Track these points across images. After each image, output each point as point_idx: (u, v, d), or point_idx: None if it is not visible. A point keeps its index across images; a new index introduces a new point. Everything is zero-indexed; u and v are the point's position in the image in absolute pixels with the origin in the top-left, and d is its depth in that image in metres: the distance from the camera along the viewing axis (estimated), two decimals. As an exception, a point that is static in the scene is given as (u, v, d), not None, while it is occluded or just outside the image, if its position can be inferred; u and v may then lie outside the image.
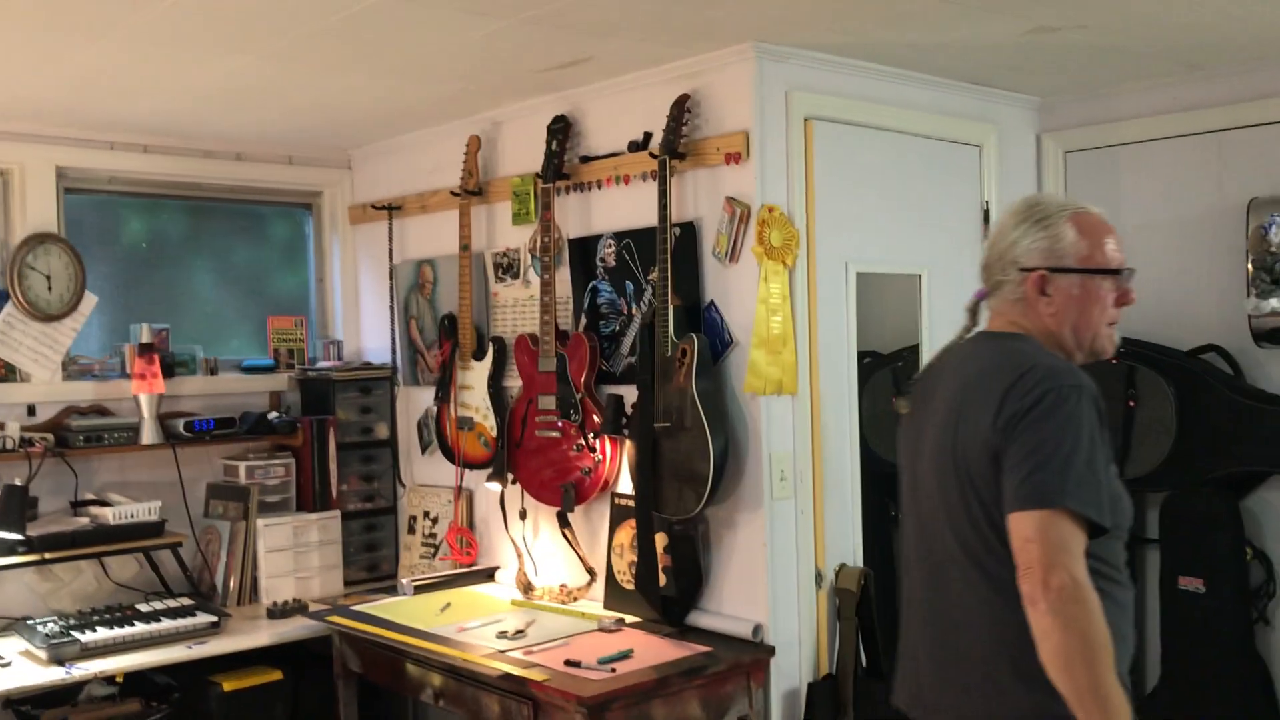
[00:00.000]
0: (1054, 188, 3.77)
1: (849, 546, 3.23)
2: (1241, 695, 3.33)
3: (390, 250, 4.15)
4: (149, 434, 3.73)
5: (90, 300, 3.77)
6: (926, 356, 3.50)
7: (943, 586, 1.94)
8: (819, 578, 3.11)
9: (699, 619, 3.11)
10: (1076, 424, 1.77)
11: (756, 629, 2.99)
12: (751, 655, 2.94)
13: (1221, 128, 3.42)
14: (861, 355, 3.50)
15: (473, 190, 3.70)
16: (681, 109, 3.06)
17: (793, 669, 3.04)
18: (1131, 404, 3.45)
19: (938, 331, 3.52)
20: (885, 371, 3.76)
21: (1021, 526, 1.75)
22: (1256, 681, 3.34)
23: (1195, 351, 3.44)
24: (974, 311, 2.08)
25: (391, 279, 4.16)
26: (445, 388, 3.77)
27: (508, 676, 2.80)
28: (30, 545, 3.37)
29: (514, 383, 3.64)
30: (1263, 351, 3.33)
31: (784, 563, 3.04)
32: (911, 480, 2.04)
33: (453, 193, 3.74)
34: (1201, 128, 3.46)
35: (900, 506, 2.14)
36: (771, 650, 2.97)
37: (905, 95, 3.37)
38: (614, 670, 2.75)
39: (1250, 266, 3.27)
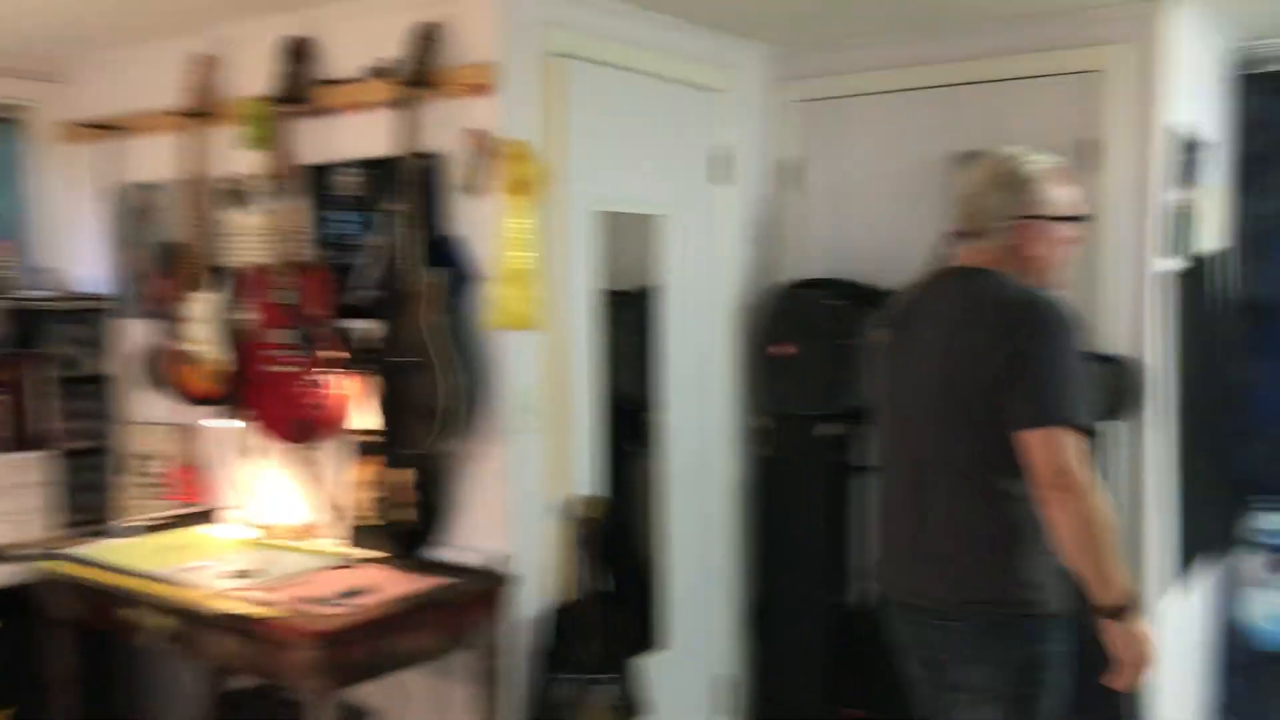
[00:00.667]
0: (789, 134, 3.94)
1: (589, 478, 3.31)
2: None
3: (109, 173, 3.87)
4: None
5: None
6: (668, 295, 3.62)
7: (926, 490, 2.30)
8: (557, 508, 3.18)
9: (441, 553, 3.12)
10: (1068, 351, 2.15)
11: (497, 559, 3.02)
12: (493, 585, 2.98)
13: (935, 84, 3.67)
14: (607, 294, 3.58)
15: (201, 111, 3.50)
16: (427, 36, 3.00)
17: (534, 597, 3.11)
18: (849, 342, 3.67)
19: (675, 269, 3.64)
20: (632, 310, 3.84)
21: (1037, 442, 2.11)
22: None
23: (908, 294, 3.70)
24: (945, 250, 2.38)
25: (111, 204, 3.89)
26: (168, 320, 3.57)
27: (236, 616, 2.72)
28: None
29: (244, 315, 3.49)
30: (966, 294, 3.62)
31: (525, 494, 3.09)
32: (893, 399, 2.37)
33: (179, 114, 3.53)
34: (926, 83, 3.69)
35: (879, 421, 2.46)
36: (512, 579, 3.02)
37: (651, 37, 3.44)
38: (352, 605, 2.73)
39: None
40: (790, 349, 3.76)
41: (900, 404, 2.36)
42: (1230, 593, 3.97)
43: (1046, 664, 2.28)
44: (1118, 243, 3.37)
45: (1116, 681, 2.21)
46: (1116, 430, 3.38)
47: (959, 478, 2.25)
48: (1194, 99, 3.55)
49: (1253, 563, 3.94)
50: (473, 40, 3.01)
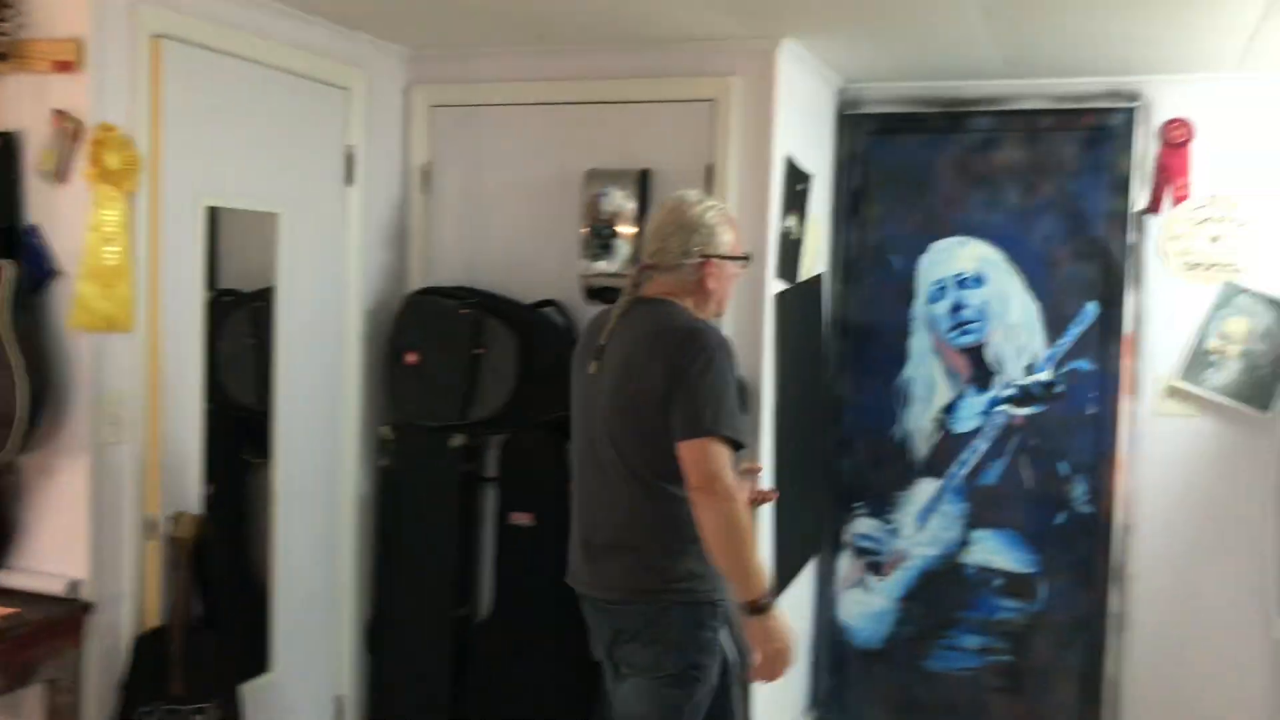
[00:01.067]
0: (421, 139, 3.86)
1: (188, 493, 3.08)
2: (562, 613, 3.68)
3: None
4: None
5: None
6: (292, 297, 3.44)
7: (605, 491, 2.56)
8: (151, 526, 2.93)
9: (7, 579, 2.80)
10: (724, 373, 2.43)
11: (73, 585, 2.75)
12: (66, 613, 2.70)
13: (566, 100, 3.72)
14: (221, 293, 3.36)
15: None
16: (2, 3, 2.68)
17: (116, 625, 2.85)
18: (479, 351, 3.64)
19: (295, 271, 3.47)
20: (245, 311, 3.63)
21: (690, 451, 2.39)
22: (574, 601, 3.72)
23: (537, 305, 3.73)
24: (636, 281, 2.62)
25: None
26: None
27: None
28: None
29: None
30: (591, 308, 3.69)
31: (111, 512, 2.83)
32: (584, 412, 2.63)
33: None
34: (556, 99, 3.73)
35: (574, 432, 2.70)
36: (90, 607, 2.76)
37: (270, 26, 3.26)
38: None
39: (585, 231, 3.60)
40: (419, 357, 3.69)
41: (588, 416, 2.61)
42: (826, 593, 4.28)
43: (707, 647, 2.53)
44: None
45: (758, 674, 2.46)
46: (726, 442, 3.55)
47: (632, 480, 2.51)
48: (804, 133, 3.80)
49: (847, 565, 4.27)
50: (59, 11, 2.73)
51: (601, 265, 3.60)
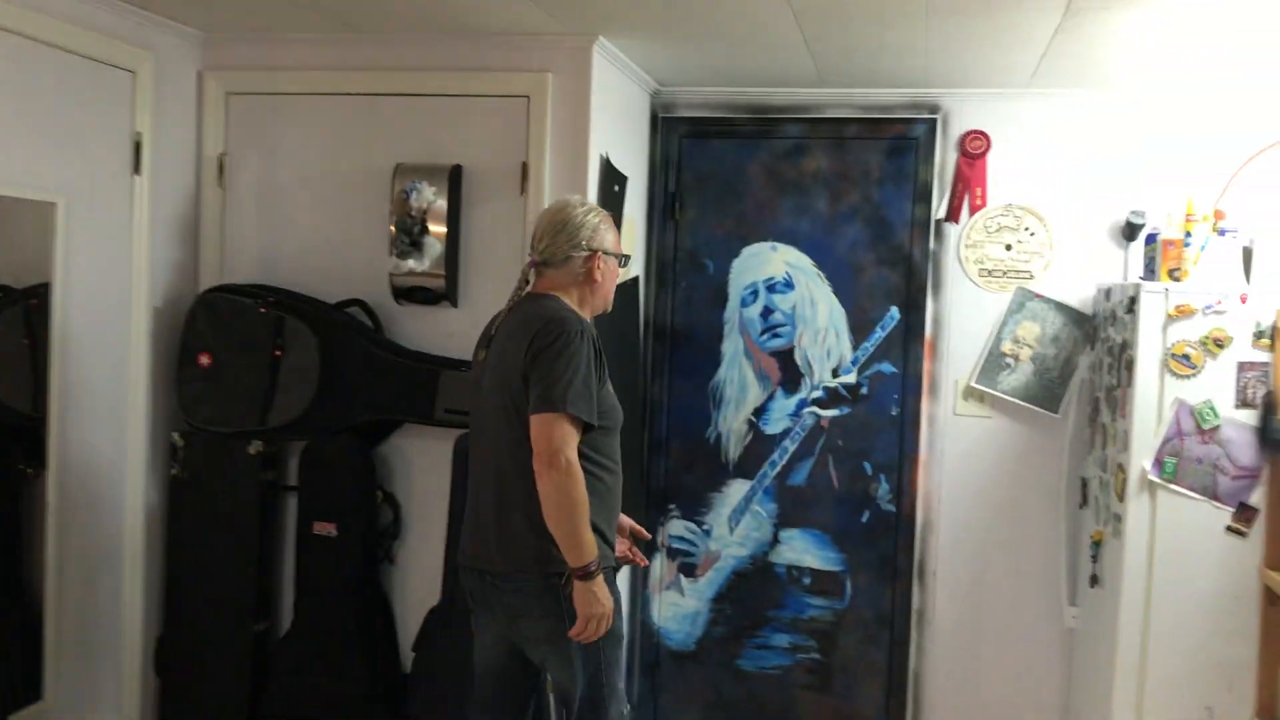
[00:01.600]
0: (215, 127, 3.65)
1: (-51, 507, 2.81)
2: (366, 628, 3.55)
3: None
4: None
5: None
6: (60, 294, 3.19)
7: (490, 473, 2.70)
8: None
9: None
10: (577, 356, 2.56)
11: None
12: None
13: (373, 92, 3.58)
14: (-11, 289, 3.09)
15: None
16: None
17: None
18: (279, 353, 3.47)
19: (76, 265, 3.22)
20: (17, 309, 3.34)
21: (538, 424, 2.54)
22: (379, 613, 3.59)
23: (342, 305, 3.57)
24: (525, 278, 2.76)
25: None
26: None
27: None
28: None
29: None
30: (400, 308, 3.56)
31: None
32: (476, 400, 2.77)
33: None
34: (357, 89, 3.59)
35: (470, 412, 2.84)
36: None
37: (45, 1, 3.01)
38: None
39: (393, 228, 3.47)
40: (213, 359, 3.48)
41: (476, 401, 2.77)
42: (640, 596, 4.26)
43: None
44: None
45: (579, 633, 2.59)
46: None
47: (511, 460, 2.64)
48: (620, 134, 3.77)
49: (660, 567, 4.26)
50: None
51: (410, 264, 3.48)
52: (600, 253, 2.76)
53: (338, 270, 3.61)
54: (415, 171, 3.49)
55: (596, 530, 2.61)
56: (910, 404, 4.09)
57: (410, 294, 3.52)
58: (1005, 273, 4.01)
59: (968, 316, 4.04)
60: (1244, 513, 3.16)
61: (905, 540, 4.11)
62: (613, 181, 3.70)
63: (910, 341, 4.09)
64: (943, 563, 4.09)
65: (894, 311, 4.08)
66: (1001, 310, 4.00)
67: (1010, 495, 4.03)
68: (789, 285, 4.16)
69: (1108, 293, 3.65)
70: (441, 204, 3.47)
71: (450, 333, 3.56)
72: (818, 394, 4.15)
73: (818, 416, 4.15)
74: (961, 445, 4.06)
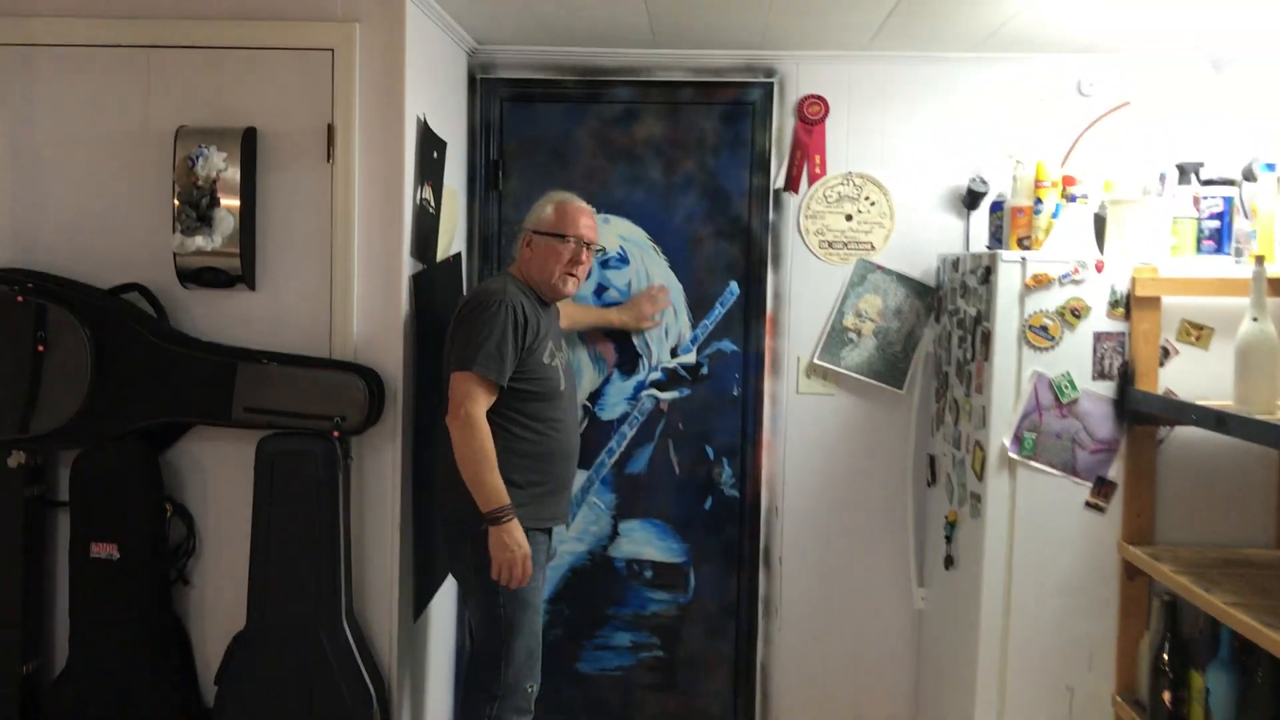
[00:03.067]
0: (-48, 83, 3.07)
1: None
2: (160, 658, 3.08)
3: None
4: None
5: None
6: None
7: (441, 431, 2.99)
8: None
9: None
10: (491, 322, 2.87)
11: None
12: None
13: (149, 43, 3.08)
14: None
15: None
16: None
17: None
18: (41, 349, 2.96)
19: None
20: None
21: (453, 381, 2.87)
22: (174, 642, 3.13)
23: (117, 290, 3.08)
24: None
25: None
26: None
27: None
28: None
29: None
30: (187, 293, 3.10)
31: None
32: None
33: None
34: (128, 40, 3.08)
35: None
36: None
37: None
38: None
39: (176, 201, 3.00)
40: (-40, 357, 2.94)
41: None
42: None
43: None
44: (368, 241, 3.09)
45: (496, 574, 2.87)
46: (362, 444, 3.10)
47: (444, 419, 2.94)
48: (437, 95, 3.40)
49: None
50: None
51: (198, 241, 3.01)
52: (530, 232, 3.08)
53: (111, 250, 3.11)
54: (201, 135, 3.02)
55: (519, 485, 2.93)
56: (752, 383, 3.89)
57: (199, 276, 3.06)
58: (846, 244, 3.85)
59: (809, 290, 3.86)
60: (1102, 487, 3.08)
61: (750, 526, 3.91)
62: (431, 147, 3.32)
63: (751, 317, 3.88)
64: (789, 548, 3.92)
65: (734, 286, 3.87)
66: (843, 283, 3.84)
67: (856, 475, 3.88)
68: (623, 260, 3.88)
69: (955, 263, 3.53)
70: (233, 172, 3.02)
71: (248, 320, 3.11)
72: (656, 375, 3.90)
73: (656, 399, 3.90)
74: (805, 425, 3.89)
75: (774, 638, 3.94)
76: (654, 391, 3.90)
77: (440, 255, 3.47)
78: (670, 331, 3.89)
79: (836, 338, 3.84)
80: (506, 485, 2.89)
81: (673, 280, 3.87)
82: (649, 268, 3.87)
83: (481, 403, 2.86)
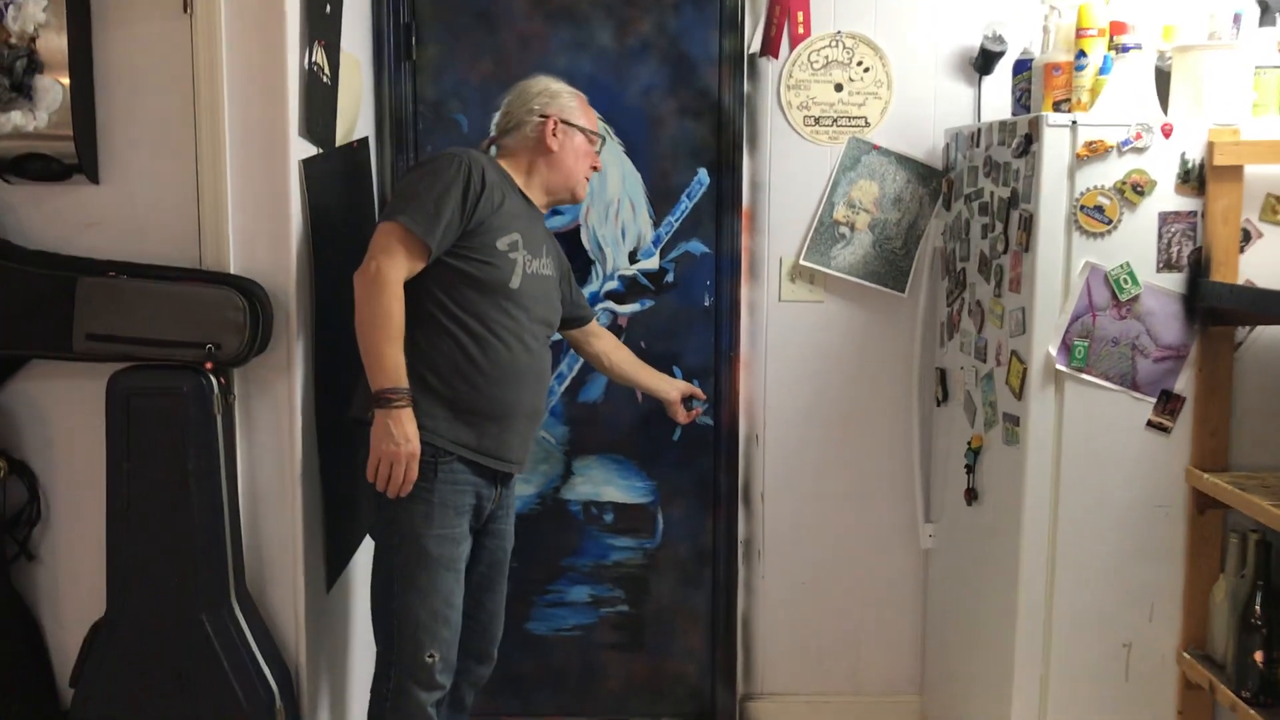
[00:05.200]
0: None
1: None
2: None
3: None
4: None
5: None
6: None
7: None
8: None
9: None
10: (437, 176, 2.36)
11: None
12: None
13: None
14: None
15: None
16: None
17: None
18: None
19: None
20: None
21: (377, 231, 2.36)
22: (17, 634, 2.47)
23: (-89, 186, 2.35)
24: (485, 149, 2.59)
25: None
26: None
27: None
28: None
29: None
30: (7, 188, 2.38)
31: None
32: None
33: None
34: None
35: None
36: None
37: None
38: None
39: (-17, 64, 2.27)
40: None
41: None
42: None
43: (406, 505, 2.37)
44: (244, 115, 2.39)
45: (372, 474, 2.32)
46: (248, 377, 2.43)
47: None
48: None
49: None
50: None
51: (16, 119, 2.28)
52: (557, 119, 2.53)
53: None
54: (11, -23, 2.28)
55: (438, 395, 2.37)
56: (727, 290, 3.27)
57: (21, 166, 2.34)
58: (836, 120, 3.22)
59: (792, 177, 3.24)
60: (1168, 403, 2.52)
61: (727, 458, 3.32)
62: (322, 0, 2.61)
63: (724, 212, 3.25)
64: (772, 482, 3.34)
65: (702, 175, 3.23)
66: (833, 167, 3.22)
67: (851, 395, 3.30)
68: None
69: (973, 137, 2.91)
70: (59, 27, 2.29)
71: (91, 222, 2.40)
72: (613, 285, 3.26)
73: (614, 313, 3.27)
74: (790, 338, 3.29)
75: (756, 586, 3.38)
76: (610, 304, 3.27)
77: (341, 139, 2.78)
78: (628, 231, 3.24)
79: (825, 233, 3.23)
80: (423, 391, 2.36)
81: (630, 170, 3.22)
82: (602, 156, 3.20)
83: (400, 261, 2.30)
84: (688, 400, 2.91)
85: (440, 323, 2.38)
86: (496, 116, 2.63)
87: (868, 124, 3.20)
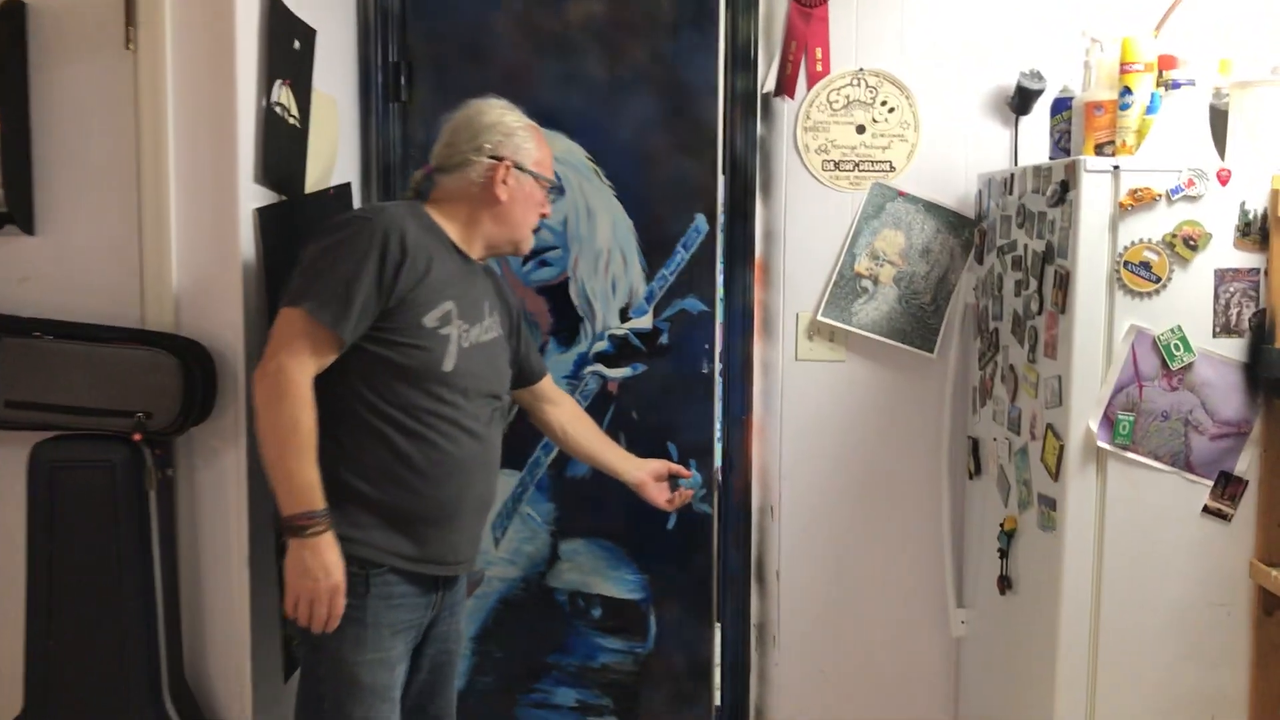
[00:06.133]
0: None
1: None
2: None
3: None
4: None
5: None
6: None
7: None
8: None
9: None
10: (347, 248, 1.95)
11: None
12: None
13: None
14: None
15: None
16: None
17: None
18: None
19: None
20: None
21: (277, 320, 1.96)
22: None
23: None
24: (417, 189, 2.21)
25: None
26: None
27: None
28: None
29: None
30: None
31: None
32: None
33: None
34: None
35: None
36: None
37: None
38: None
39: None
40: None
41: None
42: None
43: (327, 637, 1.97)
44: (191, 160, 2.19)
45: (291, 612, 1.94)
46: (191, 443, 2.21)
47: None
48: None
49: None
50: None
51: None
52: (510, 163, 2.13)
53: None
54: (-59, 11, 2.10)
55: (368, 501, 1.98)
56: (738, 348, 2.99)
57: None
58: (857, 164, 2.95)
59: (810, 226, 2.97)
60: (1228, 486, 2.21)
61: (739, 532, 3.03)
62: (290, 34, 2.40)
63: (735, 263, 2.98)
64: (789, 559, 3.04)
65: (700, 222, 2.91)
66: (854, 216, 2.94)
67: (875, 465, 3.00)
68: (558, 189, 2.87)
69: (1006, 183, 2.63)
70: (-13, 61, 2.11)
71: (23, 276, 2.21)
72: (602, 346, 2.96)
73: (603, 378, 2.96)
74: (808, 401, 3.00)
75: (771, 674, 3.07)
76: (600, 367, 2.96)
77: (314, 185, 2.57)
78: (618, 285, 2.96)
79: (846, 287, 2.95)
80: (350, 498, 1.98)
81: (620, 216, 2.93)
82: (588, 199, 2.94)
83: (305, 357, 1.91)
84: (673, 480, 2.49)
85: (364, 419, 1.99)
86: (438, 144, 2.20)
87: (893, 168, 2.93)
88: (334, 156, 2.74)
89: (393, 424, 1.99)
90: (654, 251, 2.93)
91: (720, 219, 2.94)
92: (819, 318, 2.96)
